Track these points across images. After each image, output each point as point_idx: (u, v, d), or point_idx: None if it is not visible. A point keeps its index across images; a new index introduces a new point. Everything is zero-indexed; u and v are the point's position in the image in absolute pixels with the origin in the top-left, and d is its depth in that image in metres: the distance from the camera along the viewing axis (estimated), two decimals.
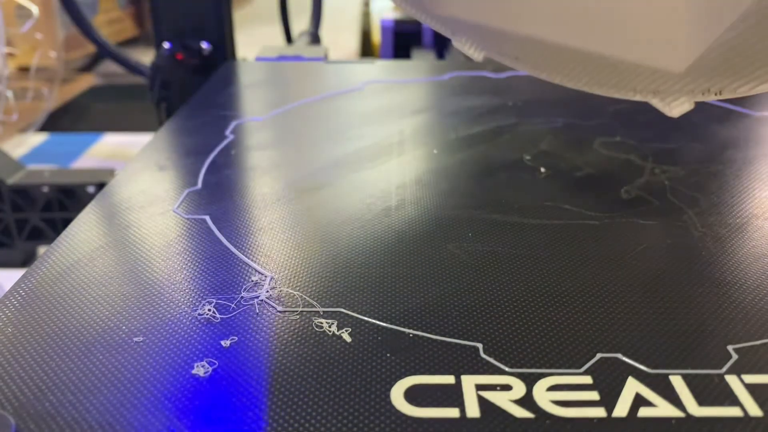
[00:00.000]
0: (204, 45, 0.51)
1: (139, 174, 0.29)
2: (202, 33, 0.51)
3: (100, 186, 0.42)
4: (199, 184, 0.27)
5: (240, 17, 0.62)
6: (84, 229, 0.24)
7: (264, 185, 0.28)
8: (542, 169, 0.29)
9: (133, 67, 0.61)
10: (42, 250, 0.46)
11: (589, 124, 0.35)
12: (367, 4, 1.13)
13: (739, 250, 0.23)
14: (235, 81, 0.45)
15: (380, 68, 0.48)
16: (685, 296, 0.20)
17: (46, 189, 0.43)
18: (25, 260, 0.46)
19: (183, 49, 0.51)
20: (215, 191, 0.27)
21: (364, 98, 0.40)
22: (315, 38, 0.58)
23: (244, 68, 0.48)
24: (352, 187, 0.28)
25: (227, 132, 0.34)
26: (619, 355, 0.17)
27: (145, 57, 0.61)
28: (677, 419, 0.15)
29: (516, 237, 0.24)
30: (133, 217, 0.25)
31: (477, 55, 0.27)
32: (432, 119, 0.37)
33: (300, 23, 0.67)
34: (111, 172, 0.45)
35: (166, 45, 0.51)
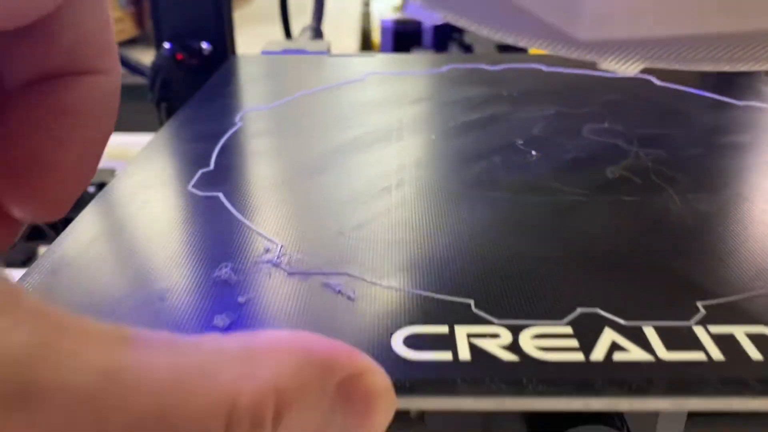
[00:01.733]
0: (204, 45, 0.52)
1: (155, 156, 0.31)
2: (202, 33, 0.52)
3: (101, 186, 0.43)
4: (212, 165, 0.29)
5: (240, 17, 0.64)
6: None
7: (272, 167, 0.30)
8: (533, 152, 0.31)
9: (133, 67, 0.63)
10: (42, 250, 0.47)
11: (579, 112, 0.37)
12: (367, 4, 1.15)
13: (714, 222, 0.25)
14: (242, 73, 0.47)
15: (381, 61, 0.49)
16: (661, 261, 0.22)
17: None
18: (26, 260, 0.47)
19: (183, 49, 0.51)
20: (227, 172, 0.29)
21: (366, 89, 0.42)
22: (317, 33, 0.59)
23: (250, 61, 0.50)
24: (355, 169, 0.30)
25: (236, 119, 0.36)
26: (598, 310, 0.19)
27: (145, 57, 0.62)
28: (648, 362, 0.17)
29: (507, 210, 0.25)
30: (149, 194, 0.27)
31: (630, 69, 0.23)
32: (430, 108, 0.39)
33: (299, 24, 0.68)
34: (111, 172, 0.46)
35: (166, 45, 0.52)
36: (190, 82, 0.51)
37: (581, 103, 0.39)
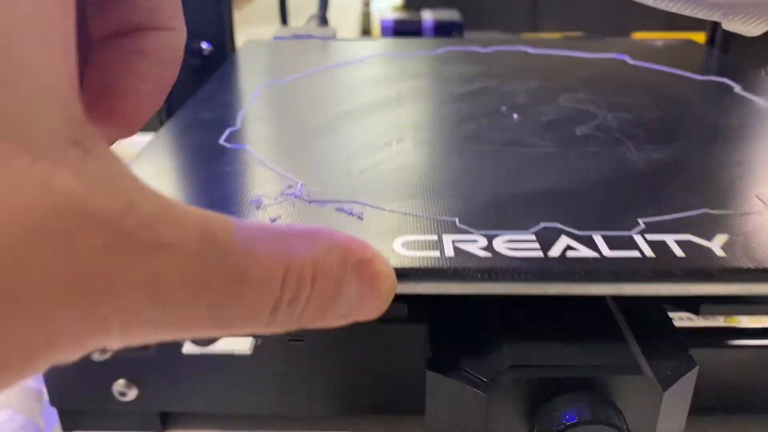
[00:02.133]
0: (204, 45, 0.54)
1: (186, 120, 0.35)
2: (202, 33, 0.53)
3: None
4: (238, 125, 0.34)
5: (240, 17, 0.67)
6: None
7: (290, 127, 0.35)
8: (515, 116, 0.36)
9: None
10: None
11: (558, 85, 0.42)
12: (367, 4, 1.19)
13: (662, 165, 0.29)
14: (256, 55, 0.52)
15: (382, 44, 0.54)
16: (614, 191, 0.27)
17: None
18: None
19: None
20: (251, 131, 0.34)
21: (368, 67, 0.47)
22: (323, 20, 0.64)
23: (263, 45, 0.55)
24: (360, 129, 0.34)
25: (255, 91, 0.40)
26: (557, 224, 0.24)
27: None
28: (594, 258, 0.22)
29: (490, 157, 0.30)
30: (186, 148, 0.31)
31: (755, 30, 0.24)
32: (427, 82, 0.44)
33: (298, 24, 0.72)
34: None
35: None
36: (190, 82, 0.53)
37: (561, 79, 0.44)
